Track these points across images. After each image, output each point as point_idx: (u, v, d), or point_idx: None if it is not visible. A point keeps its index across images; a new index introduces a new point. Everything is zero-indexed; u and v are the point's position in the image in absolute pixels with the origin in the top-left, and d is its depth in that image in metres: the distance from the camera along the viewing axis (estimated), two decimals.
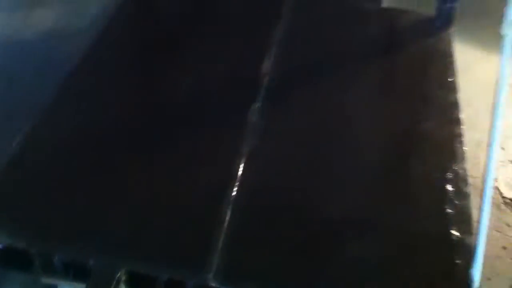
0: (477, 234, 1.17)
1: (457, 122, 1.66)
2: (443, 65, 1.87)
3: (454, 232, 1.31)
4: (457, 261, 1.25)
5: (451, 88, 1.77)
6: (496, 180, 1.94)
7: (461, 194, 1.42)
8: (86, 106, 1.63)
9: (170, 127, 1.57)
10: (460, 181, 1.46)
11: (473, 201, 1.36)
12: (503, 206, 1.88)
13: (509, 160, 2.07)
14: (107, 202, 1.36)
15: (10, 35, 2.32)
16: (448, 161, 1.50)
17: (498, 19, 1.18)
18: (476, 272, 1.17)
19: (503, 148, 2.09)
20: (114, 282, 1.20)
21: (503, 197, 1.91)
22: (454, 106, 1.71)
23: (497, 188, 1.92)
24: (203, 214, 1.34)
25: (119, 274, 1.21)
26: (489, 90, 2.25)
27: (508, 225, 1.83)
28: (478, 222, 1.16)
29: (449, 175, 1.45)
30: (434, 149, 1.57)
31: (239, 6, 2.06)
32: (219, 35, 1.93)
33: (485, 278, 1.50)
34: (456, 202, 1.39)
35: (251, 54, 1.84)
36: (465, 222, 1.34)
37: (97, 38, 1.87)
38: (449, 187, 1.43)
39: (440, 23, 2.02)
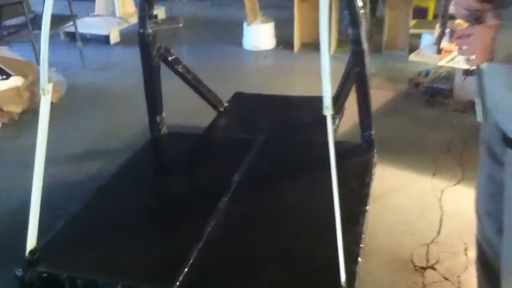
0: None
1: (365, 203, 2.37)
2: (364, 173, 2.63)
3: None
4: None
5: (366, 186, 2.51)
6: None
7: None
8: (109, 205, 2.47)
9: (165, 208, 2.41)
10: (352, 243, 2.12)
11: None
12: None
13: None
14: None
15: (64, 180, 3.26)
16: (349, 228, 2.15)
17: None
18: None
19: None
20: None
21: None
22: (365, 196, 2.44)
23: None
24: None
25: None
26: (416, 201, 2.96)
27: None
28: None
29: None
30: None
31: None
32: (207, 166, 2.81)
33: None
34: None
35: (228, 168, 2.66)
36: None
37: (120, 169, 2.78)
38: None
39: (365, 147, 2.82)
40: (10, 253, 2.26)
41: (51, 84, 2.08)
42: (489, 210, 1.93)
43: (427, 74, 4.62)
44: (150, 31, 2.77)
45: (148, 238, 2.23)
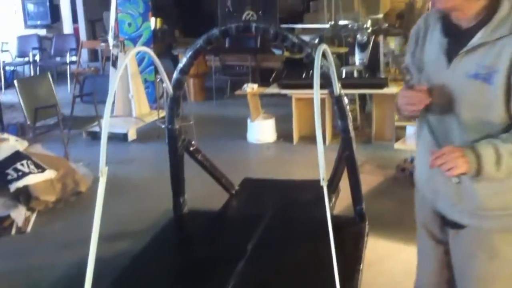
0: None
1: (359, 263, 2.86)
2: (358, 240, 3.13)
3: None
4: None
5: (359, 250, 3.01)
6: None
7: None
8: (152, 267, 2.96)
9: (193, 269, 2.93)
10: None
11: None
12: None
13: None
14: None
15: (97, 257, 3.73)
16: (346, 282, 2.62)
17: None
18: None
19: None
20: None
21: None
22: (358, 258, 2.93)
23: None
24: None
25: None
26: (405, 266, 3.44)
27: None
28: None
29: None
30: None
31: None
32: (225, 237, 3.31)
33: None
34: None
35: (243, 238, 3.16)
36: None
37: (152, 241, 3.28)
38: None
39: (357, 220, 3.34)
40: None
41: (106, 168, 2.63)
42: (429, 283, 2.38)
43: (412, 160, 5.21)
44: (177, 126, 3.38)
45: None
